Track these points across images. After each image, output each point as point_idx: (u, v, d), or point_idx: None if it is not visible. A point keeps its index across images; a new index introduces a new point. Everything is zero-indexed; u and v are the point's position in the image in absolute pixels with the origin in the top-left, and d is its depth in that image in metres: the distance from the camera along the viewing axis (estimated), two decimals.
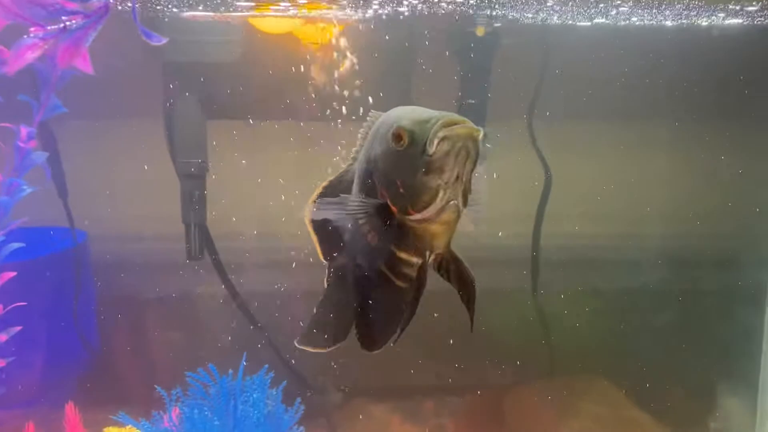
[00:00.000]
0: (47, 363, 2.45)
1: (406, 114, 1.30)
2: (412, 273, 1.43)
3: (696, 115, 2.62)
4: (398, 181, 1.29)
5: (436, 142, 1.22)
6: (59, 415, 2.13)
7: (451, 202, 1.27)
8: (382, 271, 1.47)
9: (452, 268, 1.43)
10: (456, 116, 1.25)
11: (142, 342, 2.57)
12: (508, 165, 2.44)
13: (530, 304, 2.73)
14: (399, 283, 1.48)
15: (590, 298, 2.76)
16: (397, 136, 1.26)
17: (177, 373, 1.98)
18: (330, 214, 1.45)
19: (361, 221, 1.38)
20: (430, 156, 1.23)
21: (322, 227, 1.54)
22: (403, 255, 1.41)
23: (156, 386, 1.92)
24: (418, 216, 1.29)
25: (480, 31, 2.21)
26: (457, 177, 1.25)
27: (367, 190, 1.38)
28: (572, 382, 2.80)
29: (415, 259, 1.40)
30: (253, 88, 2.22)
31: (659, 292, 2.74)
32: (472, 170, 1.27)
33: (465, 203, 1.30)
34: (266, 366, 1.99)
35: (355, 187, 1.45)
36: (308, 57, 2.17)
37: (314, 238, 1.57)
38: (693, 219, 2.72)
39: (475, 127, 1.24)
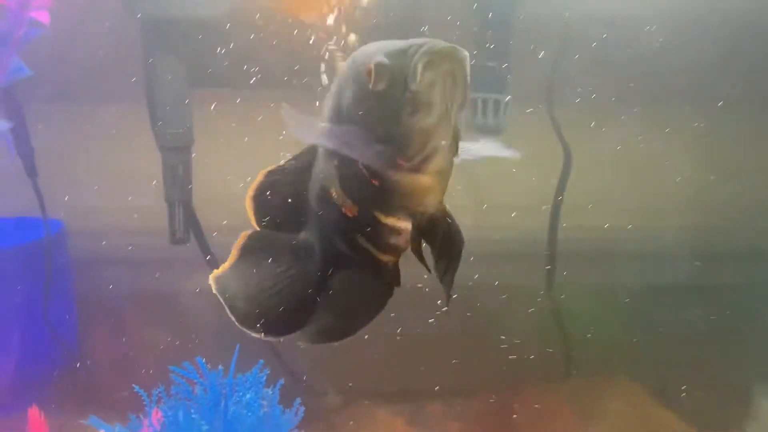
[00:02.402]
0: (14, 364, 2.24)
1: (378, 48, 1.12)
2: (400, 242, 1.23)
3: (726, 100, 2.38)
4: (380, 129, 1.11)
5: (420, 71, 1.05)
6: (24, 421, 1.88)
7: (442, 143, 1.10)
8: (363, 247, 1.26)
9: (442, 229, 1.21)
10: (437, 40, 1.07)
11: (122, 339, 2.34)
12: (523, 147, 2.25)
13: (546, 299, 2.54)
14: (385, 257, 1.27)
15: (611, 293, 2.59)
16: (374, 74, 1.09)
17: (160, 373, 1.75)
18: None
19: (331, 188, 1.22)
20: (415, 90, 1.06)
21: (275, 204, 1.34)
22: (389, 221, 1.21)
23: (133, 386, 1.66)
24: (407, 166, 1.12)
25: None
26: (446, 111, 1.08)
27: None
28: (593, 381, 2.62)
29: (403, 224, 1.21)
30: (251, 47, 1.95)
31: (687, 286, 2.58)
32: (461, 104, 1.10)
33: (456, 149, 1.15)
34: (261, 362, 1.73)
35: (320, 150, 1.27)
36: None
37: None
38: (723, 210, 2.57)
39: (460, 48, 1.07)
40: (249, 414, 1.71)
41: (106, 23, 1.99)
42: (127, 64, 2.09)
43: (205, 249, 2.17)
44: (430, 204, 1.18)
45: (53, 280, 2.24)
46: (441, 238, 1.21)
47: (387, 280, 1.29)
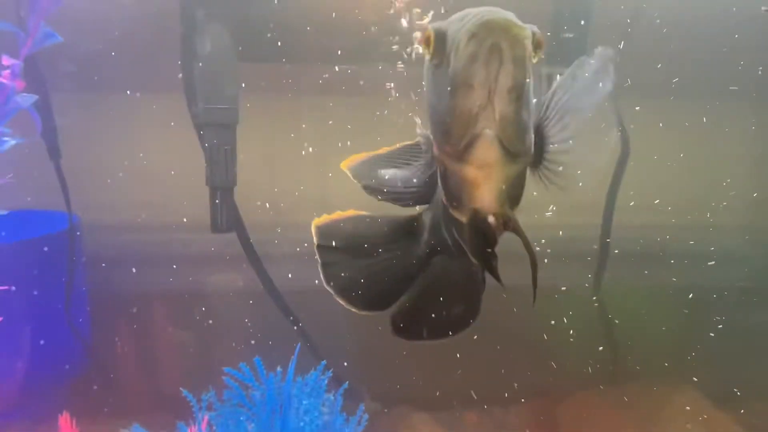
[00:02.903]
0: (34, 364, 2.05)
1: (455, 16, 1.03)
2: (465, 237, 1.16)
3: None
4: (432, 105, 1.05)
5: (462, 43, 0.95)
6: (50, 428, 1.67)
7: (485, 131, 0.99)
8: (455, 238, 1.20)
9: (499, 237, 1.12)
10: (502, 11, 0.97)
11: (154, 340, 2.20)
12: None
13: (599, 301, 2.39)
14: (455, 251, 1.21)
15: (670, 295, 2.42)
16: (425, 41, 1.02)
17: (200, 377, 1.59)
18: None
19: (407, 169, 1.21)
20: (455, 65, 0.97)
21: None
22: (455, 213, 1.15)
23: (181, 389, 1.47)
24: (451, 152, 1.04)
25: None
26: (489, 93, 0.97)
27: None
28: (651, 389, 2.45)
29: (463, 218, 1.14)
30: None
31: (750, 288, 2.43)
32: (515, 88, 0.98)
33: (515, 141, 1.02)
34: (323, 363, 1.54)
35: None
36: None
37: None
38: None
39: (518, 23, 0.96)
40: (308, 422, 1.51)
41: None
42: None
43: (246, 243, 1.96)
44: (481, 202, 1.08)
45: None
46: (491, 249, 1.12)
47: (472, 277, 1.22)
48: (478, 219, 1.10)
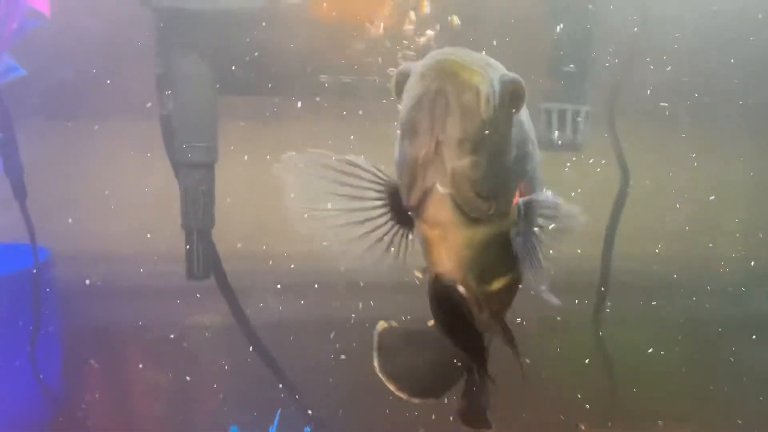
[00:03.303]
0: None
1: (432, 54, 0.93)
2: None
3: None
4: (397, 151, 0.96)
5: (410, 86, 0.89)
6: None
7: (436, 187, 0.90)
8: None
9: (458, 312, 1.04)
10: (464, 53, 0.90)
11: (123, 387, 2.07)
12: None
13: (595, 337, 2.27)
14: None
15: (671, 330, 2.33)
16: (392, 83, 0.95)
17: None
18: None
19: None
20: (402, 108, 0.91)
21: None
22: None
23: None
24: (408, 206, 0.96)
25: None
26: (437, 145, 0.87)
27: None
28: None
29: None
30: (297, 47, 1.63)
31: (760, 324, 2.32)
32: (468, 141, 0.87)
33: (474, 202, 0.92)
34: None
35: None
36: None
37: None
38: None
39: (474, 67, 0.88)
40: None
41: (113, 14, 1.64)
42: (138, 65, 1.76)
43: (225, 288, 1.83)
44: (440, 267, 1.00)
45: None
46: (459, 325, 1.03)
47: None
48: (436, 287, 1.02)
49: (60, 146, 2.00)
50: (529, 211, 1.00)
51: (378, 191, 1.03)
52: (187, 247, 1.72)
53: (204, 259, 1.72)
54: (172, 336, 2.03)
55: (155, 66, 1.72)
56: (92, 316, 2.09)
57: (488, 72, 0.88)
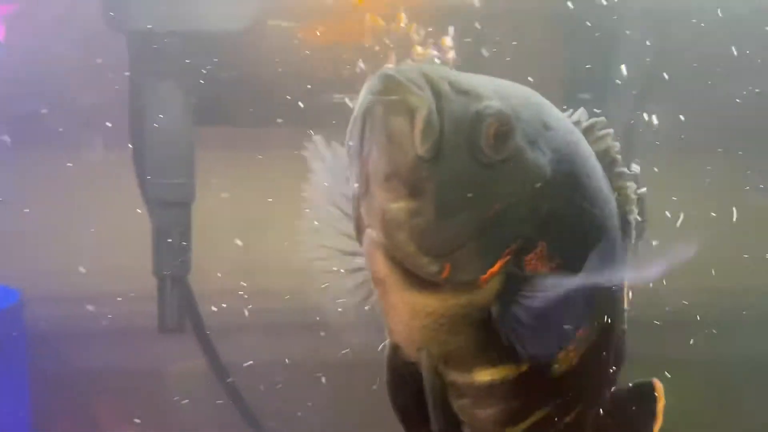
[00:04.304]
0: None
1: None
2: None
3: None
4: None
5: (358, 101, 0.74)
6: None
7: (367, 230, 0.74)
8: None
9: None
10: (436, 70, 0.74)
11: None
12: None
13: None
14: None
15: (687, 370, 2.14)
16: None
17: None
18: None
19: None
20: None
21: None
22: None
23: None
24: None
25: None
26: (367, 177, 0.72)
27: None
28: None
29: None
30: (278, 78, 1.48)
31: None
32: (398, 177, 0.70)
33: (415, 257, 0.73)
34: None
35: None
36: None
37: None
38: None
39: (426, 82, 0.71)
40: None
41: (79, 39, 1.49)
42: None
43: (203, 340, 1.65)
44: (392, 334, 0.82)
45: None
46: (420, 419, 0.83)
47: None
48: (390, 357, 0.84)
49: (24, 180, 1.87)
50: (513, 286, 0.77)
51: None
52: (160, 295, 1.53)
53: (178, 310, 1.53)
54: (144, 380, 1.91)
55: (127, 94, 1.57)
56: (61, 360, 1.96)
57: (445, 95, 0.71)
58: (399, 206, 0.71)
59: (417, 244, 0.72)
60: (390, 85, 0.69)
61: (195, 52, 1.48)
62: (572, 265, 0.77)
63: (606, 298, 0.85)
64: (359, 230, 0.76)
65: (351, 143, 0.74)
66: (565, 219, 0.78)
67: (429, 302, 0.76)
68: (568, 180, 0.79)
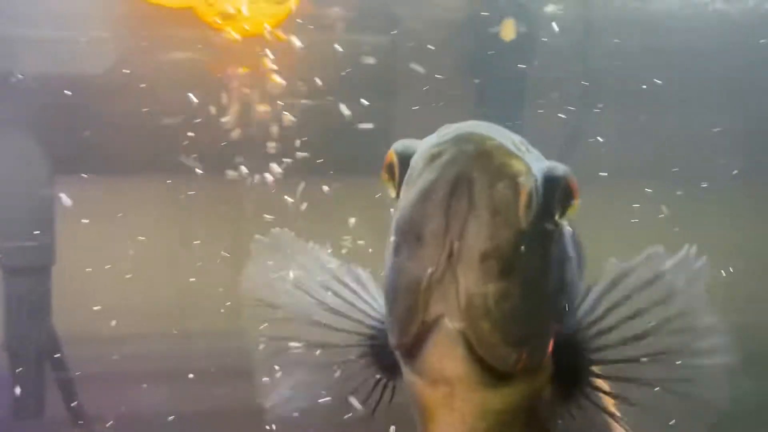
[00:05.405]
0: None
1: (442, 129, 0.66)
2: None
3: None
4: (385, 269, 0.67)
5: (416, 171, 0.62)
6: None
7: (443, 321, 0.62)
8: None
9: None
10: (500, 131, 0.62)
11: None
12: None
13: None
14: None
15: None
16: (386, 169, 0.68)
17: None
18: None
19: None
20: (399, 204, 0.64)
21: None
22: None
23: None
24: (397, 351, 0.68)
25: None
26: (451, 257, 0.60)
27: None
28: None
29: None
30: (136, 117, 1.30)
31: None
32: (497, 253, 0.60)
33: (499, 347, 0.63)
34: None
35: None
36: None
37: None
38: None
39: (512, 149, 0.61)
40: None
41: None
42: None
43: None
44: None
45: None
46: None
47: None
48: None
49: None
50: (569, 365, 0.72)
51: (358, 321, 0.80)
52: (13, 375, 1.31)
53: (36, 393, 1.31)
54: None
55: None
56: None
57: (529, 159, 0.63)
58: (489, 289, 0.61)
59: (503, 332, 0.63)
60: (484, 147, 0.60)
61: (52, 97, 1.31)
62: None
63: None
64: (409, 325, 0.64)
65: (407, 226, 0.63)
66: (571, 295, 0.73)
67: (501, 399, 0.68)
68: (572, 246, 0.73)
